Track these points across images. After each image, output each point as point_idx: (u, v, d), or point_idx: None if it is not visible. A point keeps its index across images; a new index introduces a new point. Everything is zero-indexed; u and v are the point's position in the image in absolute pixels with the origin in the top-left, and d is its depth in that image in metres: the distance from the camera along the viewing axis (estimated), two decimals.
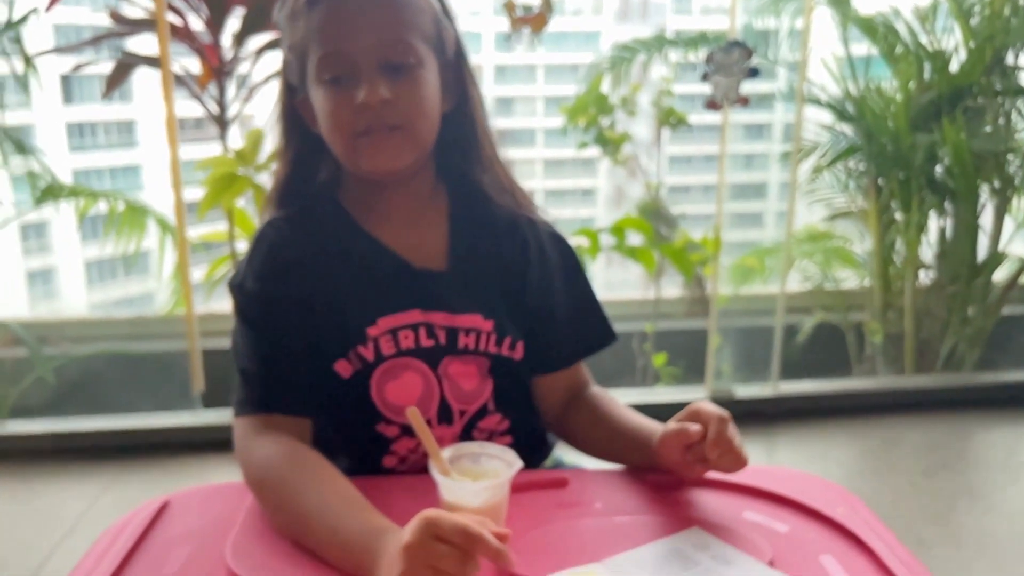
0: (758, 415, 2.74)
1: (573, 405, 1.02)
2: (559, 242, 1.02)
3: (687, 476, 0.89)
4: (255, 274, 0.91)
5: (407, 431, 0.91)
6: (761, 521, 0.84)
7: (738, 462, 0.82)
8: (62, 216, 2.90)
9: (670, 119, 2.97)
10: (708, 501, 0.87)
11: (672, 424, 0.86)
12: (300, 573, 0.74)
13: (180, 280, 2.74)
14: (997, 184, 2.94)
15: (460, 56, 0.95)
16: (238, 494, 0.88)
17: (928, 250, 3.10)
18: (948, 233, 3.04)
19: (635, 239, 2.91)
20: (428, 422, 0.91)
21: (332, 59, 0.86)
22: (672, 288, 3.43)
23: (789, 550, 0.78)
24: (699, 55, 2.94)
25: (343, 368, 0.90)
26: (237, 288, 0.92)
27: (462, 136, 0.95)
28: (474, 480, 0.80)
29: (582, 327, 1.03)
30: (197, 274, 2.77)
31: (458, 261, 0.96)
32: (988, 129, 2.86)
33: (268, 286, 0.91)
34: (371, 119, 0.86)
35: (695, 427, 0.83)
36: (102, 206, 2.90)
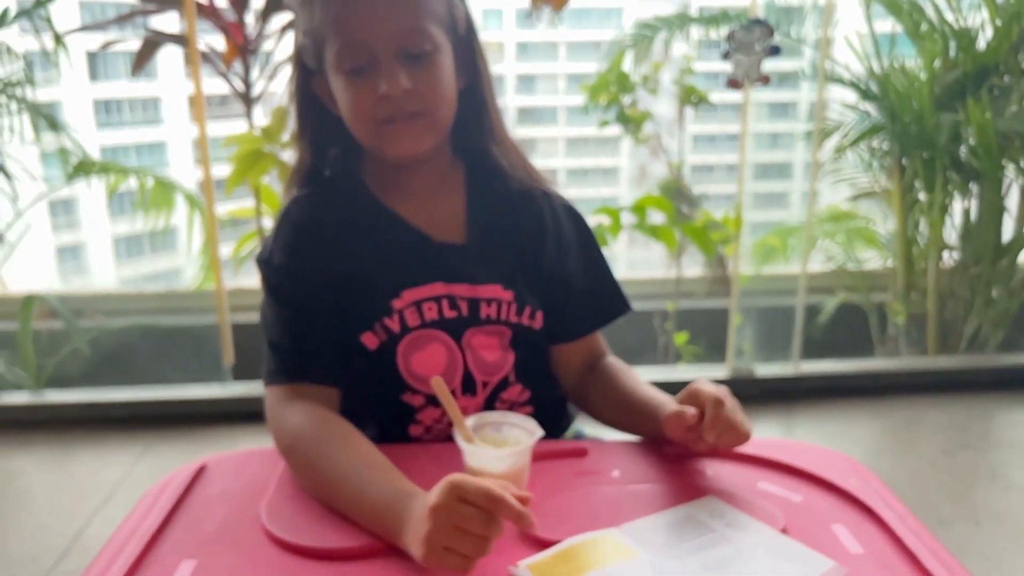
0: (778, 394, 2.76)
1: (589, 374, 1.05)
2: (573, 214, 1.05)
3: (695, 450, 0.91)
4: (281, 249, 0.94)
5: (432, 401, 0.94)
6: (775, 491, 0.86)
7: (738, 439, 0.84)
8: (90, 192, 2.96)
9: (692, 98, 2.96)
10: (723, 471, 0.90)
11: (673, 406, 0.87)
12: (331, 533, 0.78)
13: (209, 256, 2.79)
14: (1023, 164, 2.91)
15: (471, 33, 0.96)
16: (271, 459, 0.92)
17: (952, 231, 3.07)
18: (972, 214, 3.01)
19: (657, 218, 2.92)
20: (452, 392, 0.94)
21: (351, 50, 0.88)
22: (694, 267, 3.44)
23: (802, 519, 0.81)
24: (721, 32, 2.92)
25: (369, 340, 0.93)
26: (264, 263, 0.96)
27: (475, 112, 0.97)
28: (497, 448, 0.83)
29: (598, 297, 1.05)
30: (224, 250, 2.82)
31: (476, 234, 0.99)
32: (1014, 109, 2.82)
33: (294, 260, 0.94)
34: (393, 108, 0.88)
35: (691, 411, 0.84)
36: (130, 182, 2.96)
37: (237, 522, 0.81)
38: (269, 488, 0.86)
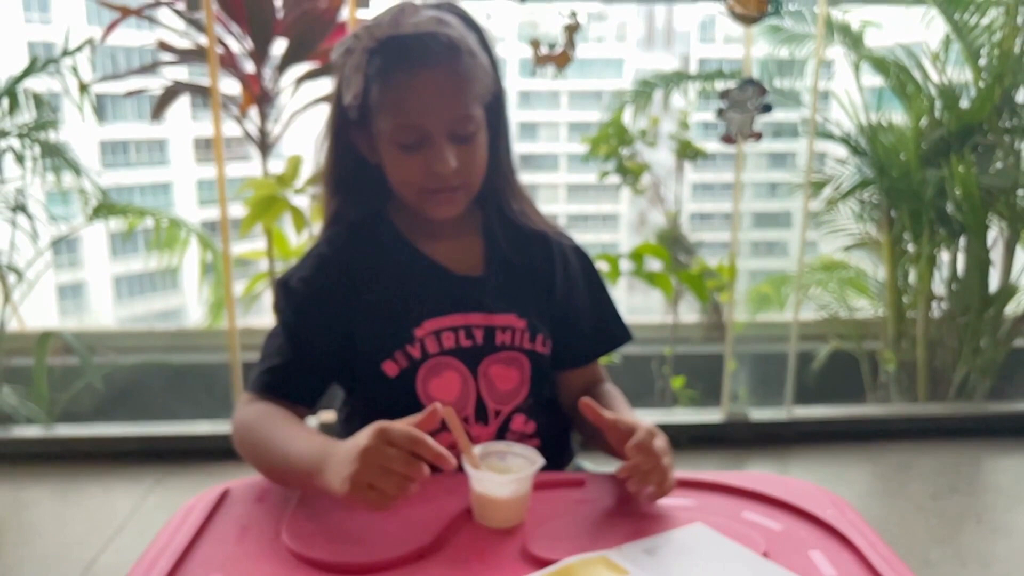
0: (772, 438, 2.81)
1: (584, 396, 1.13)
2: (580, 253, 1.14)
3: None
4: (301, 279, 1.04)
5: (447, 426, 1.02)
6: (757, 520, 0.92)
7: (663, 482, 0.89)
8: (92, 232, 3.05)
9: (688, 152, 3.07)
10: (710, 502, 0.96)
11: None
12: (349, 549, 0.84)
13: (223, 295, 2.86)
14: (1008, 218, 3.00)
15: (500, 101, 1.05)
16: None
17: (940, 282, 3.15)
18: (960, 265, 3.09)
19: (654, 265, 3.01)
20: (465, 420, 1.02)
21: (407, 129, 0.96)
22: (690, 313, 3.52)
23: (782, 545, 0.87)
24: (718, 86, 3.04)
25: (390, 368, 1.01)
26: (282, 284, 1.05)
27: (495, 164, 1.06)
28: (501, 474, 0.90)
29: (603, 327, 1.15)
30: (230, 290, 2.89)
31: (493, 267, 1.07)
32: (999, 166, 2.92)
33: (308, 293, 1.03)
34: (440, 182, 0.98)
35: (608, 413, 0.94)
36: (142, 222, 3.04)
37: (260, 540, 0.87)
38: (289, 509, 0.92)
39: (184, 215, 3.12)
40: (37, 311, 3.13)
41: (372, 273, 1.04)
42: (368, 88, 0.96)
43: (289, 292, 1.04)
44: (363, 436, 0.79)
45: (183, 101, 2.92)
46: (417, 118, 0.95)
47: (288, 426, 0.95)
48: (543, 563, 0.81)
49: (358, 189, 1.07)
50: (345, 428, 1.10)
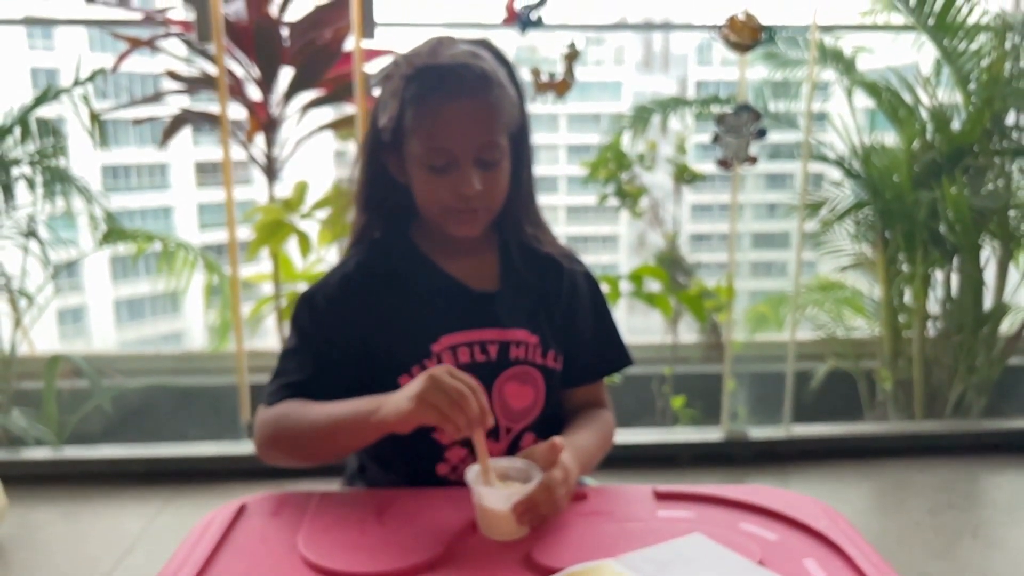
0: (772, 456, 2.84)
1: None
2: (589, 279, 1.20)
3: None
4: (326, 296, 1.09)
5: (461, 440, 1.05)
6: (753, 530, 0.96)
7: (551, 511, 0.94)
8: (92, 256, 3.10)
9: (684, 175, 3.13)
10: (708, 513, 1.00)
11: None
12: (363, 560, 0.88)
13: (229, 318, 2.90)
14: (1000, 238, 3.04)
15: (524, 131, 1.10)
16: (304, 499, 1.03)
17: (935, 301, 3.20)
18: (954, 285, 3.14)
19: (653, 286, 3.05)
20: None
21: (437, 152, 1.01)
22: (689, 333, 3.56)
23: (777, 554, 0.90)
24: (715, 110, 3.09)
25: (406, 382, 1.03)
26: (306, 299, 1.10)
27: (515, 190, 1.11)
28: (504, 489, 0.94)
29: (604, 350, 1.20)
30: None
31: (508, 283, 1.13)
32: (990, 187, 2.97)
33: (331, 311, 1.08)
34: (464, 204, 1.03)
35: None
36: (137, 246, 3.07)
37: (278, 551, 0.91)
38: (305, 522, 0.97)
39: (185, 239, 3.17)
40: (38, 335, 3.16)
41: (393, 289, 1.09)
42: (403, 112, 1.02)
43: (313, 308, 1.09)
44: (433, 369, 0.91)
45: (185, 128, 2.98)
46: (447, 142, 1.01)
47: (327, 404, 1.01)
48: (547, 571, 0.85)
49: (386, 208, 1.12)
50: None
